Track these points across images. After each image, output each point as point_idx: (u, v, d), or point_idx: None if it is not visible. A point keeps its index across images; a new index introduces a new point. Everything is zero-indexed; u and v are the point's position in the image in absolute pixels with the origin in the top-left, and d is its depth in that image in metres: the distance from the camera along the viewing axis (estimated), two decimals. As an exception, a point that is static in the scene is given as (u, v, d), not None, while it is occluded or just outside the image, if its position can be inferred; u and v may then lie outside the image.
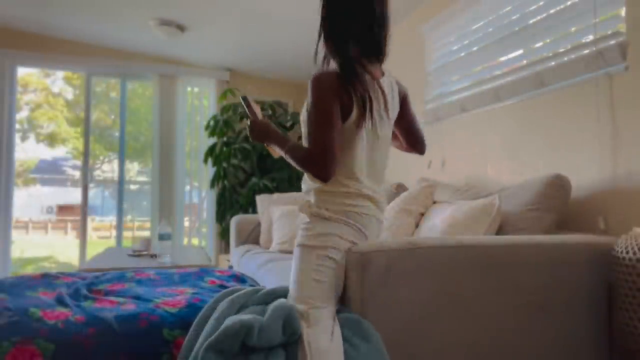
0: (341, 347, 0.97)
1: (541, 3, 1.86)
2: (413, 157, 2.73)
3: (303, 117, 1.24)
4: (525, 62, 1.95)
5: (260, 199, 3.19)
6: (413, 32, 2.77)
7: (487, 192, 1.83)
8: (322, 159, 1.09)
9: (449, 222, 1.66)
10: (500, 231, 1.59)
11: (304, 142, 1.24)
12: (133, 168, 8.16)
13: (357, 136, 1.18)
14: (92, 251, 3.81)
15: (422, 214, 1.97)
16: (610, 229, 1.51)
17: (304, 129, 1.24)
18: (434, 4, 2.56)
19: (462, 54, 2.35)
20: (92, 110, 4.23)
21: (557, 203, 1.55)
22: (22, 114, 9.77)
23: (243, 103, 1.41)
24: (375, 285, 1.06)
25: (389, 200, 2.19)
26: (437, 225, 1.72)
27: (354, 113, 1.16)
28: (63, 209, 12.20)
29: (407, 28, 2.90)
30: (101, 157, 9.87)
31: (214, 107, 4.28)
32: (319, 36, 1.31)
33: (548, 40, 1.85)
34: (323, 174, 1.10)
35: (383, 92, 1.25)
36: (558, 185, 1.55)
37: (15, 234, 4.89)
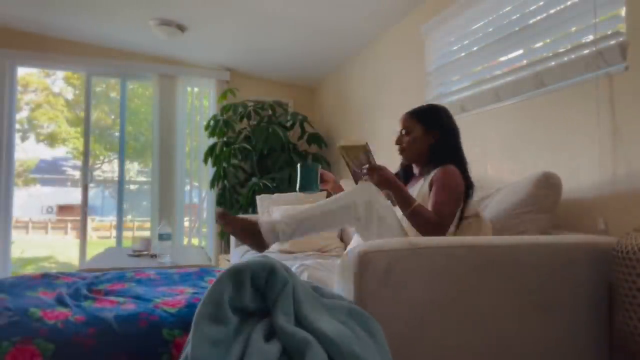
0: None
1: (541, 3, 1.86)
2: (413, 157, 2.72)
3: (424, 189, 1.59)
4: (525, 62, 1.95)
5: (260, 199, 3.19)
6: (413, 32, 2.77)
7: (486, 192, 1.83)
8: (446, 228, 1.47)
9: None
10: (495, 233, 1.59)
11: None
12: (133, 168, 8.16)
13: None
14: (92, 251, 3.81)
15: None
16: (610, 229, 1.51)
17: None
18: (434, 4, 2.56)
19: (462, 54, 2.35)
20: (92, 110, 4.23)
21: (549, 202, 1.54)
22: (22, 114, 9.77)
23: (365, 149, 1.56)
24: (375, 285, 1.06)
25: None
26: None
27: None
28: (63, 209, 12.20)
29: (407, 28, 2.90)
30: (101, 157, 9.87)
31: (214, 107, 4.28)
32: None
33: (548, 40, 1.85)
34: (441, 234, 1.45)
35: None
36: (547, 184, 1.54)
37: (15, 234, 4.90)
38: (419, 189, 1.62)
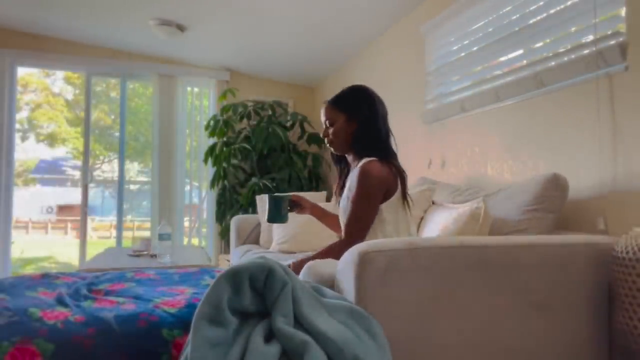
0: None
1: (541, 3, 1.86)
2: (413, 157, 2.73)
3: None
4: (525, 62, 1.95)
5: (260, 199, 3.19)
6: (413, 32, 2.77)
7: (486, 192, 1.83)
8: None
9: (441, 229, 1.69)
10: (499, 233, 1.59)
11: None
12: (133, 168, 8.17)
13: None
14: (92, 251, 3.81)
15: (422, 218, 1.97)
16: (610, 229, 1.51)
17: None
18: (434, 4, 2.56)
19: (462, 54, 2.35)
20: (92, 110, 4.24)
21: (556, 203, 1.55)
22: (22, 114, 9.78)
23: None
24: (374, 285, 1.06)
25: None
26: (434, 232, 1.74)
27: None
28: (63, 209, 12.21)
29: (407, 28, 2.90)
30: (101, 157, 9.88)
31: (214, 107, 4.28)
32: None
33: (548, 40, 1.85)
34: None
35: None
36: (556, 185, 1.55)
37: (15, 234, 4.89)
38: (346, 192, 1.54)
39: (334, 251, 1.39)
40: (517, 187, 1.69)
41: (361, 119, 1.53)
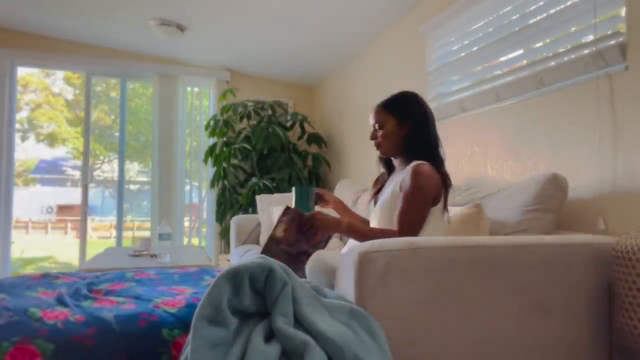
0: None
1: (541, 3, 1.86)
2: (413, 157, 2.72)
3: None
4: (525, 62, 1.95)
5: (260, 199, 3.19)
6: (413, 32, 2.77)
7: (486, 192, 1.83)
8: None
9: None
10: (499, 233, 1.59)
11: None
12: (133, 168, 8.17)
13: None
14: (92, 251, 3.81)
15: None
16: (610, 229, 1.51)
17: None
18: (434, 4, 2.56)
19: (462, 54, 2.35)
20: (92, 110, 4.24)
21: (555, 203, 1.55)
22: (22, 114, 9.78)
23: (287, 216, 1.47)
24: (374, 285, 1.06)
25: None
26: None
27: None
28: (63, 209, 12.21)
29: (407, 28, 2.90)
30: (101, 157, 9.87)
31: (214, 107, 4.28)
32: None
33: (548, 40, 1.85)
34: None
35: None
36: (555, 185, 1.55)
37: (15, 234, 4.90)
38: (392, 189, 1.55)
39: (393, 238, 1.37)
40: (516, 187, 1.69)
41: (413, 122, 1.56)
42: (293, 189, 1.67)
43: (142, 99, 7.93)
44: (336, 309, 0.97)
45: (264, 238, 2.99)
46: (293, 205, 1.63)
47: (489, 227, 1.60)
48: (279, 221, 1.46)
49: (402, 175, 1.51)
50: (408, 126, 1.56)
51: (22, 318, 0.96)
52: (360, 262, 1.06)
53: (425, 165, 1.47)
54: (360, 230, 1.47)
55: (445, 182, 1.50)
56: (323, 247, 1.51)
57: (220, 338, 0.84)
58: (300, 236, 1.47)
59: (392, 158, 1.66)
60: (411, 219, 1.43)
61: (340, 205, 1.80)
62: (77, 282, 1.34)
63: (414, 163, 1.49)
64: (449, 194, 1.53)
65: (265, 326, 0.90)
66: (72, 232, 11.08)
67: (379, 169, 1.76)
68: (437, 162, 1.52)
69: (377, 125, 1.62)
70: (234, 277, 0.91)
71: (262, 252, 1.43)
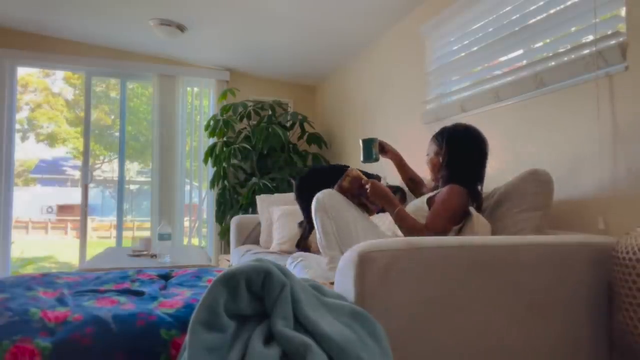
0: None
1: (541, 3, 1.86)
2: (413, 157, 2.73)
3: None
4: (525, 62, 1.95)
5: (260, 199, 3.19)
6: (413, 32, 2.77)
7: (486, 192, 1.82)
8: None
9: None
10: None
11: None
12: (133, 168, 8.17)
13: None
14: (92, 251, 3.81)
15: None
16: (610, 229, 1.51)
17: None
18: (434, 4, 2.56)
19: (462, 54, 2.35)
20: (92, 110, 4.23)
21: (541, 199, 1.53)
22: (22, 114, 9.78)
23: (352, 177, 1.81)
24: (375, 285, 1.06)
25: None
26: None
27: None
28: (63, 209, 12.20)
29: (407, 28, 2.90)
30: (101, 157, 9.87)
31: (214, 107, 4.28)
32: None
33: (548, 40, 1.85)
34: None
35: None
36: (537, 182, 1.54)
37: (15, 234, 4.89)
38: (419, 199, 1.79)
39: (415, 229, 1.59)
40: (504, 188, 1.69)
41: (450, 151, 1.76)
42: (360, 141, 1.95)
43: (142, 99, 7.93)
44: (337, 310, 0.97)
45: (264, 238, 2.99)
46: (361, 156, 1.95)
47: (488, 231, 1.58)
48: (345, 175, 1.79)
49: (434, 193, 1.75)
50: (445, 155, 1.76)
51: (22, 318, 0.96)
52: (360, 261, 1.06)
53: (459, 187, 1.64)
54: (409, 221, 1.64)
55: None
56: (376, 211, 1.85)
57: (217, 343, 0.83)
58: (361, 191, 1.77)
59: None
60: (439, 221, 1.60)
61: (396, 157, 2.08)
62: (77, 282, 1.34)
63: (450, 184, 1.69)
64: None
65: (264, 329, 0.89)
66: (72, 232, 11.08)
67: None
68: (473, 189, 1.69)
69: (428, 153, 1.88)
70: (230, 280, 0.90)
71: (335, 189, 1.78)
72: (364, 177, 1.79)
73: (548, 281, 1.23)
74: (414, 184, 2.12)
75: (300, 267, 1.77)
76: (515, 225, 1.54)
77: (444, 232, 1.57)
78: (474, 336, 1.15)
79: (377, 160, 1.95)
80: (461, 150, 1.74)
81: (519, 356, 1.20)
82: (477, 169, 1.72)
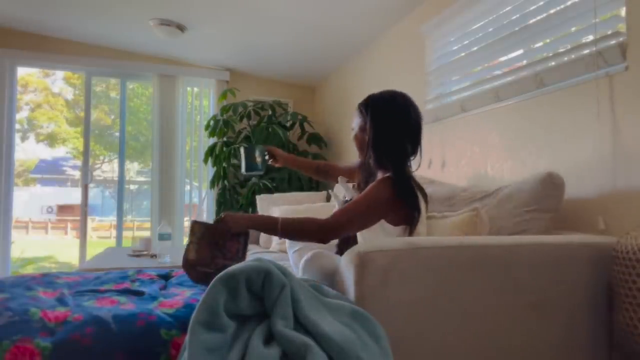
0: None
1: (541, 3, 1.86)
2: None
3: None
4: (525, 62, 1.95)
5: (260, 199, 3.19)
6: (413, 32, 2.77)
7: (485, 192, 1.82)
8: None
9: None
10: (498, 235, 1.59)
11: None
12: (133, 168, 8.18)
13: None
14: (92, 251, 3.81)
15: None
16: (610, 229, 1.51)
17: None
18: (434, 4, 2.57)
19: (462, 54, 2.35)
20: (92, 110, 4.24)
21: (552, 202, 1.54)
22: (22, 114, 9.79)
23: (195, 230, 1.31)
24: (375, 285, 1.06)
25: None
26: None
27: None
28: (63, 209, 12.21)
29: (407, 28, 2.90)
30: (101, 157, 9.88)
31: (214, 107, 4.28)
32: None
33: (548, 40, 1.85)
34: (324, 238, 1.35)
35: None
36: (551, 184, 1.54)
37: (15, 234, 4.89)
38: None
39: (314, 224, 1.31)
40: (513, 187, 1.69)
41: (375, 125, 1.43)
42: (241, 149, 1.64)
43: (142, 99, 7.93)
44: (337, 310, 0.97)
45: (264, 238, 2.99)
46: (243, 166, 1.62)
47: (487, 231, 1.58)
48: (189, 242, 1.29)
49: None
50: (370, 131, 1.44)
51: (22, 318, 0.96)
52: (360, 262, 1.06)
53: (389, 182, 1.36)
54: (269, 222, 1.33)
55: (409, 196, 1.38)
56: (243, 258, 1.31)
57: (217, 343, 0.84)
58: (215, 251, 1.29)
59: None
60: (346, 217, 1.33)
61: (290, 161, 1.79)
62: (77, 282, 1.34)
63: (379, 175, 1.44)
64: (422, 206, 1.41)
65: (264, 329, 0.89)
66: (72, 232, 11.09)
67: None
68: (402, 178, 1.39)
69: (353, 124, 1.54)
70: (230, 280, 0.90)
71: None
72: (210, 225, 1.31)
73: (548, 281, 1.23)
74: (325, 172, 1.84)
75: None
76: (521, 225, 1.54)
77: (342, 230, 1.33)
78: (474, 336, 1.15)
79: (262, 170, 1.64)
80: (389, 125, 1.41)
81: (519, 356, 1.20)
82: (405, 147, 1.41)
